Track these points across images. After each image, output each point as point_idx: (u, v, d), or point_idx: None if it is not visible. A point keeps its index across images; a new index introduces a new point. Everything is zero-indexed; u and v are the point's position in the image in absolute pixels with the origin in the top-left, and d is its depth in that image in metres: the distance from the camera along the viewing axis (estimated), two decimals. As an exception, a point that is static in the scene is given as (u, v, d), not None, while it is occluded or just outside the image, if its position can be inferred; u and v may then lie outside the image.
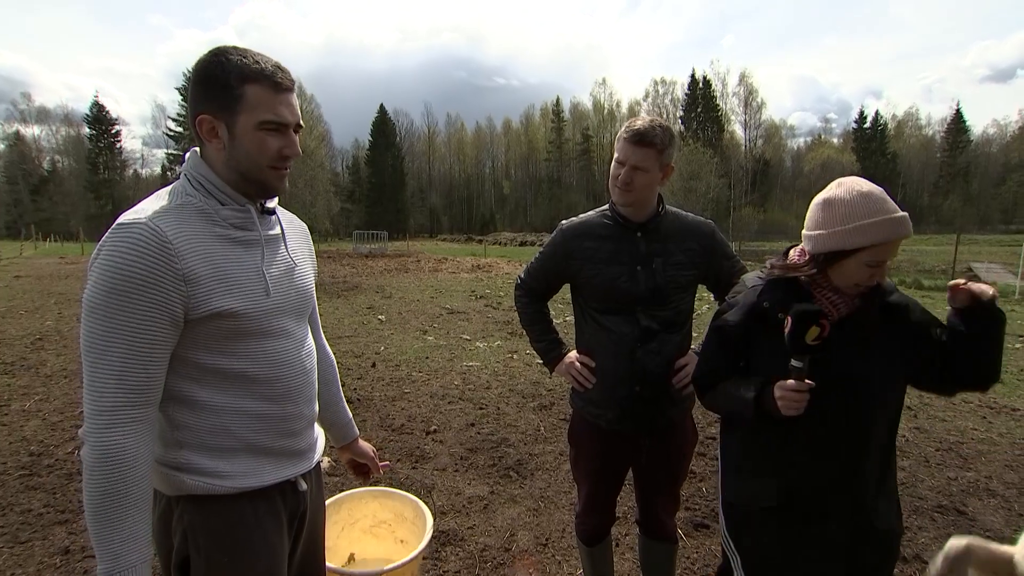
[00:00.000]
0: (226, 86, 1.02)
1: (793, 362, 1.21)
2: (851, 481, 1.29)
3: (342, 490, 3.08)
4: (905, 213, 1.19)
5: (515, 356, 6.37)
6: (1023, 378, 5.65)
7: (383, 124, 68.07)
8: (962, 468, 3.56)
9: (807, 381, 1.21)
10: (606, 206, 1.77)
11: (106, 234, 0.98)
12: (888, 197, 1.21)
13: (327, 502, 1.81)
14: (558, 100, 74.74)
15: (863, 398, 1.27)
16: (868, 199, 1.20)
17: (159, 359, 1.00)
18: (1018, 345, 7.24)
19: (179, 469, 1.06)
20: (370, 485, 1.82)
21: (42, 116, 57.74)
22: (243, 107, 1.03)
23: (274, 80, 1.04)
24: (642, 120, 1.61)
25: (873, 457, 1.30)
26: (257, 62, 1.03)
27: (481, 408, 4.60)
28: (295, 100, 1.09)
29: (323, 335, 1.47)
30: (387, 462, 1.62)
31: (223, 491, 1.07)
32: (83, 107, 61.36)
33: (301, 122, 1.10)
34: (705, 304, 8.73)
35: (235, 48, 1.05)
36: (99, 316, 0.95)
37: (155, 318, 0.97)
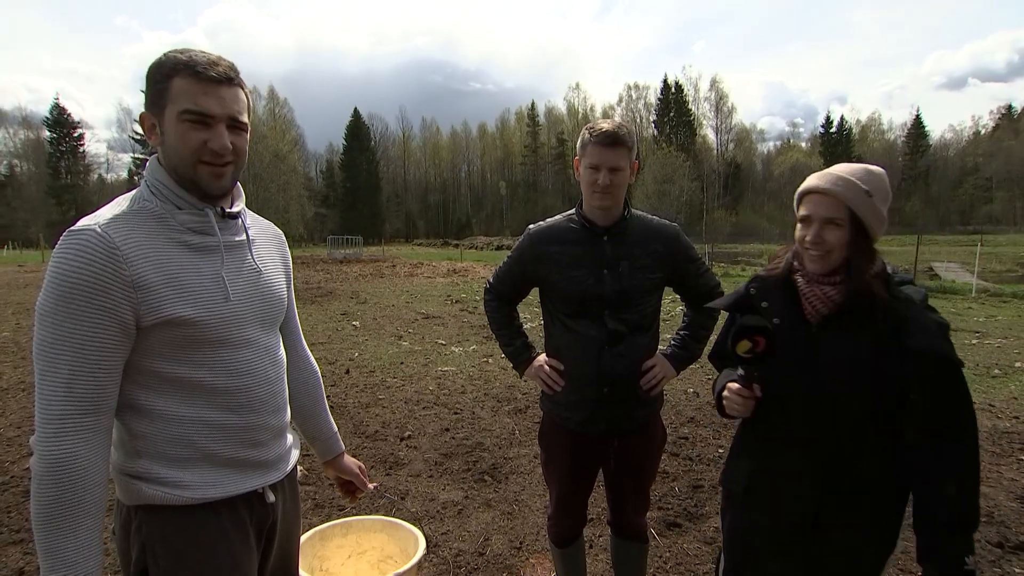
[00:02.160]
0: (157, 81, 1.02)
1: (739, 368, 1.26)
2: (811, 486, 1.27)
3: (315, 499, 3.05)
4: (842, 175, 1.23)
5: (490, 360, 6.37)
6: (979, 372, 5.88)
7: (357, 128, 67.50)
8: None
9: (753, 389, 1.25)
10: (572, 211, 1.79)
11: (58, 241, 0.97)
12: (860, 171, 1.25)
13: (335, 523, 1.79)
14: (533, 105, 75.31)
15: (829, 405, 1.23)
16: (838, 165, 1.29)
17: (110, 367, 0.98)
18: (974, 341, 7.54)
19: (137, 478, 1.04)
20: (356, 502, 1.79)
21: (-2, 118, 55.55)
22: (168, 99, 1.01)
23: (196, 70, 1.00)
24: (607, 123, 1.64)
25: (841, 469, 1.25)
26: (191, 57, 1.02)
27: (456, 413, 4.58)
28: (232, 95, 1.04)
29: (305, 344, 1.43)
30: (376, 483, 1.58)
31: (182, 502, 1.05)
32: (43, 109, 58.92)
33: (242, 119, 1.06)
34: (679, 306, 8.86)
35: (183, 49, 1.05)
36: (48, 324, 0.94)
37: (104, 325, 0.95)
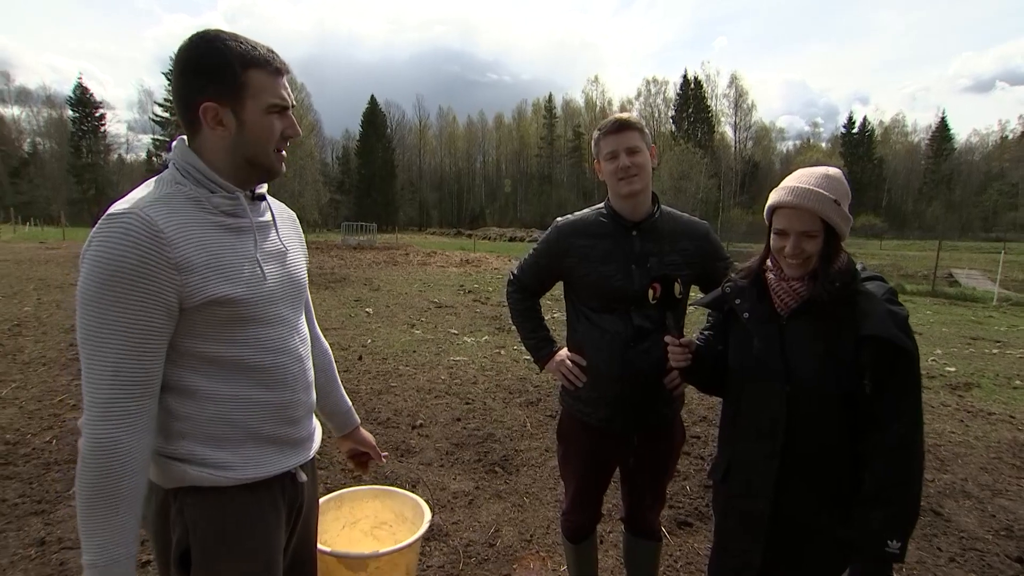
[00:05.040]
0: (230, 73, 1.03)
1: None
2: (777, 468, 1.33)
3: (327, 483, 3.07)
4: (811, 189, 1.26)
5: (503, 351, 6.37)
6: (1000, 383, 5.77)
7: (374, 115, 67.60)
8: (939, 470, 3.63)
9: (676, 336, 1.44)
10: (601, 204, 1.77)
11: (96, 225, 0.97)
12: (822, 179, 1.28)
13: (328, 497, 1.80)
14: (550, 97, 74.73)
15: (794, 392, 1.31)
16: (797, 173, 1.33)
17: (155, 350, 0.99)
18: (995, 351, 7.40)
19: (181, 460, 1.05)
20: (369, 475, 1.79)
21: (23, 97, 56.44)
22: (249, 93, 1.05)
23: (274, 65, 1.08)
24: (613, 116, 1.69)
25: (807, 453, 1.31)
26: (255, 47, 1.06)
27: (467, 403, 4.59)
28: (286, 84, 1.13)
29: (317, 325, 1.45)
30: (386, 452, 1.61)
31: (226, 483, 1.06)
32: (66, 89, 59.60)
33: (294, 102, 1.14)
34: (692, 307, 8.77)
35: (223, 32, 1.05)
36: (93, 309, 0.94)
37: (150, 309, 0.96)
